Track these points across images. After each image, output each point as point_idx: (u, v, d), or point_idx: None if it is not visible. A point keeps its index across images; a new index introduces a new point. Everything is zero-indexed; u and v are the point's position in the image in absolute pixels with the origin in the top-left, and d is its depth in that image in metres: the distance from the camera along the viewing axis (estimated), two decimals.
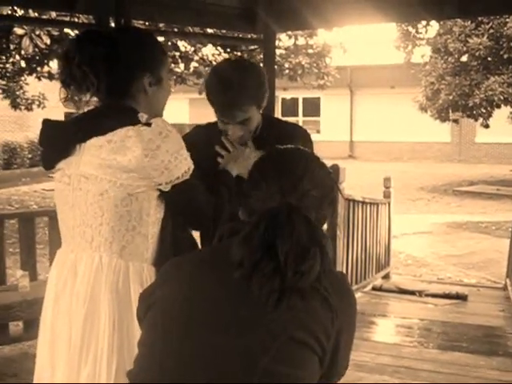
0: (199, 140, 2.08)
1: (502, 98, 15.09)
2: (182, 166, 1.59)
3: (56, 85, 1.70)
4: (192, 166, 1.63)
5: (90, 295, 1.56)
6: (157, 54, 1.71)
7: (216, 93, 1.97)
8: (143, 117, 1.60)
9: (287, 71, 11.85)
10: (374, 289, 6.10)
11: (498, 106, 15.55)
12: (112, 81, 1.61)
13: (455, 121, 17.91)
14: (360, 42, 20.80)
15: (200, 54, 11.05)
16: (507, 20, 14.54)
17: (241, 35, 6.22)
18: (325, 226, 1.38)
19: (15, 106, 11.96)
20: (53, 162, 1.66)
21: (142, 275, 1.60)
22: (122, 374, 1.45)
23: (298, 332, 1.15)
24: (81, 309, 1.56)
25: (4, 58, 9.41)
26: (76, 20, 5.50)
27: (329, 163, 4.60)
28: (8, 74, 10.21)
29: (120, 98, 1.64)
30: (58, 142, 1.65)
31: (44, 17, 6.85)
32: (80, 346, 1.56)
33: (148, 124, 1.58)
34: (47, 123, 1.68)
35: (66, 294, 1.61)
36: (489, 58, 15.37)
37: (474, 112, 15.89)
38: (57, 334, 1.62)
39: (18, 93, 11.67)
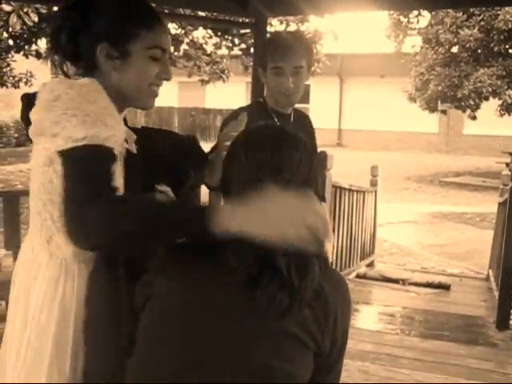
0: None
1: (490, 90, 15.16)
2: (90, 127, 1.27)
3: (44, 63, 1.55)
4: (108, 145, 1.29)
5: (24, 287, 1.42)
6: (129, 22, 1.39)
7: (276, 43, 2.29)
8: None
9: None
10: (358, 276, 6.14)
11: (487, 98, 15.62)
12: (72, 52, 1.41)
13: (443, 112, 17.98)
14: (351, 29, 20.76)
15: (190, 37, 10.97)
16: (498, 13, 14.57)
17: (232, 19, 6.16)
18: None
19: (2, 83, 11.82)
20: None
21: (61, 272, 1.38)
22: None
23: (294, 328, 1.14)
24: (13, 295, 1.45)
25: None
26: None
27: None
28: None
29: (85, 72, 1.41)
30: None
31: None
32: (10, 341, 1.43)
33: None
34: (27, 98, 1.47)
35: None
36: (479, 50, 15.41)
37: (463, 103, 15.96)
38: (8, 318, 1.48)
39: (5, 70, 11.54)
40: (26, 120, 1.47)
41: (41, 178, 1.35)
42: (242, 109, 2.25)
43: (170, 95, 24.11)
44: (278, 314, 1.12)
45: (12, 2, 7.16)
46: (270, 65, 2.24)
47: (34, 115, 1.33)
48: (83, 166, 1.26)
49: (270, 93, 2.32)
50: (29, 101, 1.43)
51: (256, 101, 2.40)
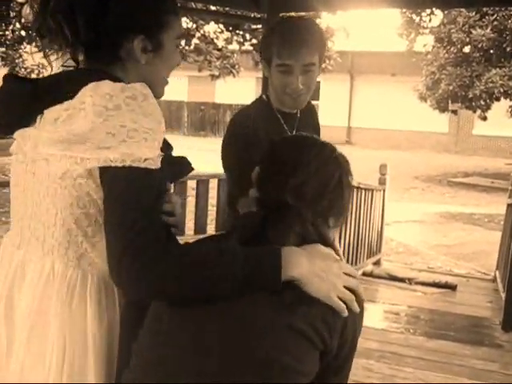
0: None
1: (502, 90, 15.09)
2: (150, 149, 1.13)
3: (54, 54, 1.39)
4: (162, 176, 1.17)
5: (36, 308, 1.22)
6: (160, 11, 1.27)
7: (283, 33, 1.88)
8: None
9: None
10: (364, 274, 6.14)
11: (498, 99, 15.55)
12: (93, 41, 1.22)
13: (454, 111, 17.90)
14: (363, 27, 20.70)
15: (202, 31, 10.97)
16: None
17: (244, 13, 6.17)
18: None
19: (10, 72, 11.87)
20: (9, 130, 1.31)
21: (102, 291, 1.24)
22: None
23: (301, 324, 1.12)
24: (24, 325, 1.23)
25: (4, 25, 9.31)
26: None
27: None
28: (8, 42, 10.13)
29: (102, 64, 1.25)
30: (15, 105, 1.28)
31: None
32: (19, 375, 1.24)
33: None
34: (8, 80, 1.31)
35: (12, 302, 1.27)
36: (491, 51, 15.33)
37: (473, 104, 15.90)
38: None
39: (17, 61, 11.59)
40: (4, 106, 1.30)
41: (73, 190, 1.18)
42: (248, 108, 2.08)
43: (179, 89, 24.13)
44: (286, 308, 1.12)
45: None
46: (276, 61, 1.89)
47: (76, 117, 1.14)
48: (140, 191, 1.12)
49: (275, 92, 1.98)
50: (12, 84, 1.29)
51: (260, 99, 2.07)
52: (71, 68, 1.29)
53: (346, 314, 1.15)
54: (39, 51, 1.30)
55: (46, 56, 1.28)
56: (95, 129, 1.11)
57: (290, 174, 1.21)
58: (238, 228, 1.26)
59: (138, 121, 1.12)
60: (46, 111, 1.19)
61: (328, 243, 1.23)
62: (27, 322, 1.22)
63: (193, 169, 1.30)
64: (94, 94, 1.13)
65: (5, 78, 1.31)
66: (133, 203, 1.10)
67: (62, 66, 1.30)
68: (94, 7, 1.20)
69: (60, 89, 1.20)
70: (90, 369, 1.21)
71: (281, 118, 2.01)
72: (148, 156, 1.12)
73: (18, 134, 1.28)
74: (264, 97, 2.07)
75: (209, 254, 1.14)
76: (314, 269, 1.16)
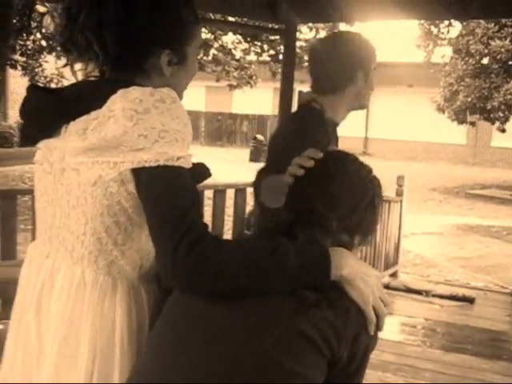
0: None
1: None
2: (181, 149, 1.16)
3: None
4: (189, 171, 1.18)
5: (68, 317, 1.23)
6: (184, 23, 1.29)
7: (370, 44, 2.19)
8: None
9: (306, 64, 11.81)
10: None
11: None
12: (120, 55, 1.23)
13: (472, 123, 17.79)
14: (380, 38, 20.66)
15: (220, 42, 11.04)
16: None
17: (262, 25, 6.19)
18: None
19: (33, 83, 12.04)
20: (33, 140, 1.32)
21: (131, 297, 1.26)
22: None
23: (306, 327, 1.11)
24: (57, 331, 1.24)
25: (25, 35, 9.44)
26: None
27: None
28: (28, 52, 10.26)
29: (128, 75, 1.26)
30: (40, 116, 1.30)
31: None
32: (52, 378, 1.25)
33: None
34: (32, 91, 1.33)
35: (41, 309, 1.29)
36: (510, 62, 15.25)
37: (492, 115, 15.81)
38: (24, 353, 1.32)
39: (37, 70, 11.74)
40: (22, 114, 1.33)
41: (104, 200, 1.19)
42: (295, 115, 2.21)
43: (197, 99, 24.25)
44: (296, 310, 1.11)
45: (46, 3, 7.27)
46: (373, 66, 2.16)
47: (107, 124, 1.15)
48: (179, 189, 1.14)
49: (360, 96, 2.20)
50: (37, 95, 1.31)
51: (311, 106, 2.16)
52: (92, 78, 1.30)
53: (372, 330, 1.16)
54: (65, 66, 1.31)
55: (73, 71, 1.30)
56: (127, 132, 1.13)
57: (326, 182, 1.25)
58: (269, 230, 1.27)
59: (166, 123, 1.14)
60: (72, 123, 1.21)
61: None
62: (60, 329, 1.24)
63: (211, 174, 1.31)
64: (123, 100, 1.15)
65: (28, 88, 1.33)
66: (176, 200, 1.12)
67: (86, 76, 1.31)
68: (122, 24, 1.21)
69: (86, 99, 1.22)
70: (116, 374, 1.23)
71: (330, 125, 2.15)
72: (180, 155, 1.15)
73: (42, 144, 1.29)
74: (316, 105, 2.15)
75: (261, 250, 1.14)
76: (359, 271, 1.17)
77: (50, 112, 1.26)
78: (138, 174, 1.15)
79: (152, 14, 1.24)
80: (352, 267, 1.16)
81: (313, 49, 2.29)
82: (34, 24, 8.45)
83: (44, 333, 1.28)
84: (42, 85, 12.01)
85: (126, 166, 1.15)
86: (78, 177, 1.21)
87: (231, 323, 1.13)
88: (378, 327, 1.18)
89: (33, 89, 1.33)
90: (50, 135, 1.27)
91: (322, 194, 1.24)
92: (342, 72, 2.14)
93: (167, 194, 1.13)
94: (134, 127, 1.13)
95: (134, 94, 1.16)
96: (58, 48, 9.57)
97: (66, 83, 1.39)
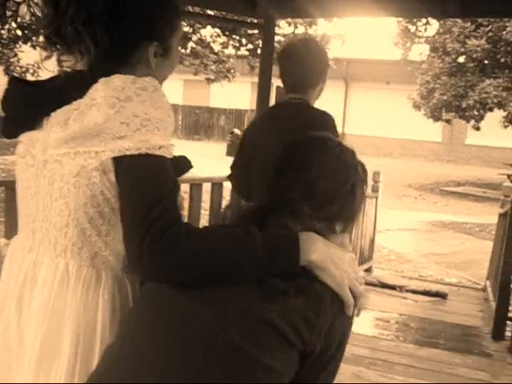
0: None
1: (495, 101, 15.18)
2: (162, 138, 1.16)
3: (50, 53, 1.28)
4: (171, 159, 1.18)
5: (51, 310, 1.22)
6: (170, 16, 1.31)
7: None
8: None
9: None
10: None
11: (491, 109, 15.63)
12: (110, 47, 1.23)
13: (447, 121, 17.98)
14: (358, 35, 20.77)
15: (198, 35, 10.98)
16: (507, 24, 14.57)
17: (241, 19, 6.18)
18: None
19: (8, 73, 11.87)
20: (14, 132, 1.31)
21: (115, 288, 1.25)
22: None
23: (273, 315, 1.09)
24: (39, 325, 1.23)
25: None
26: None
27: None
28: (3, 41, 10.11)
29: (114, 67, 1.24)
30: (21, 109, 1.29)
31: None
32: (34, 370, 1.23)
33: None
34: (14, 83, 1.31)
35: (22, 303, 1.28)
36: (485, 61, 15.43)
37: (467, 113, 15.97)
38: (4, 348, 1.31)
39: (12, 60, 11.57)
40: (3, 106, 1.31)
41: (87, 190, 1.18)
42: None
43: (175, 92, 24.11)
44: (264, 299, 1.09)
45: None
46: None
47: (89, 112, 1.15)
48: (157, 177, 1.14)
49: (321, 92, 2.53)
50: (16, 87, 1.29)
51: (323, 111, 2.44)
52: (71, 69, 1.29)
53: (351, 311, 1.14)
54: (47, 58, 1.29)
55: (59, 63, 1.29)
56: (109, 120, 1.13)
57: (305, 170, 1.22)
58: (243, 217, 1.25)
59: (149, 112, 1.15)
60: (53, 114, 1.21)
61: None
62: (42, 322, 1.23)
63: (192, 166, 1.32)
64: (105, 88, 1.15)
65: (10, 80, 1.32)
66: (151, 189, 1.12)
67: (41, 60, 1.29)
68: (112, 17, 1.22)
69: (68, 90, 1.21)
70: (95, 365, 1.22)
71: None
72: (162, 144, 1.15)
73: (24, 136, 1.28)
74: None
75: (231, 236, 1.13)
76: (330, 255, 1.16)
77: (31, 104, 1.26)
78: (119, 162, 1.15)
79: (140, 6, 1.26)
80: (321, 251, 1.15)
81: (293, 50, 2.47)
82: (8, 13, 8.32)
83: (24, 328, 1.26)
84: (17, 75, 11.86)
85: (108, 154, 1.15)
86: (61, 168, 1.20)
87: (198, 313, 1.11)
88: (358, 308, 1.17)
89: (14, 81, 1.32)
90: (31, 127, 1.26)
91: (299, 182, 1.22)
92: (318, 71, 2.43)
93: (144, 181, 1.13)
94: (117, 114, 1.13)
95: (116, 82, 1.16)
96: (34, 38, 9.46)
97: (42, 74, 1.38)
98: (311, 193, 1.21)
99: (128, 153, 1.13)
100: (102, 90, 1.15)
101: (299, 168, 1.25)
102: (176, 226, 1.10)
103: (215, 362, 1.07)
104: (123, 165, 1.15)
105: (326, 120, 2.34)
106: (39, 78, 1.36)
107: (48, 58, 1.29)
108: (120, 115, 1.13)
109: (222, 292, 1.12)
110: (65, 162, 1.19)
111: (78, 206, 1.20)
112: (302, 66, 2.39)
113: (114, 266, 1.25)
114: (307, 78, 2.42)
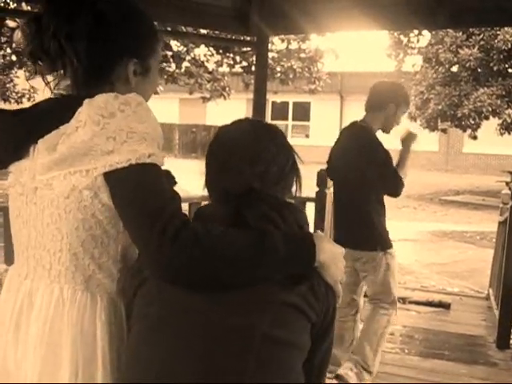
0: None
1: (490, 109, 15.23)
2: (150, 147, 1.16)
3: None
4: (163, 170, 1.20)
5: (48, 336, 1.22)
6: (149, 37, 1.35)
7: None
8: None
9: (279, 75, 11.90)
10: None
11: (487, 118, 15.69)
12: (91, 63, 1.25)
13: (443, 130, 18.03)
14: (352, 48, 20.94)
15: (192, 55, 11.05)
16: (498, 32, 14.68)
17: (234, 37, 6.22)
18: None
19: (5, 98, 11.93)
20: (4, 163, 1.31)
21: (111, 311, 1.26)
22: None
23: (296, 298, 1.17)
24: (37, 352, 1.23)
25: None
26: None
27: (317, 168, 4.64)
28: None
29: (95, 86, 1.25)
30: (7, 140, 1.29)
31: (36, 10, 6.81)
32: None
33: None
34: None
35: (19, 330, 1.27)
36: (479, 70, 15.51)
37: (463, 123, 16.03)
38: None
39: (8, 86, 11.63)
40: None
41: (78, 213, 1.19)
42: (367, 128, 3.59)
43: (171, 112, 24.21)
44: (280, 286, 1.16)
45: (16, 18, 7.22)
46: (404, 109, 3.90)
47: (75, 133, 1.16)
48: (154, 183, 1.15)
49: (388, 123, 4.00)
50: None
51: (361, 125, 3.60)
52: (58, 95, 1.32)
53: (340, 299, 1.26)
54: (31, 75, 1.33)
55: (44, 79, 1.32)
56: (95, 136, 1.14)
57: (253, 162, 1.30)
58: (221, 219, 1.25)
59: (134, 126, 1.16)
60: (40, 141, 1.21)
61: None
62: (40, 349, 1.23)
63: (176, 182, 1.35)
64: (89, 107, 1.16)
65: None
66: (153, 194, 1.13)
67: (26, 78, 1.33)
68: (93, 33, 1.24)
69: (54, 116, 1.21)
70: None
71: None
72: (151, 152, 1.15)
73: (13, 167, 1.29)
74: (364, 124, 3.78)
75: (249, 235, 1.15)
76: (333, 255, 1.25)
77: (16, 134, 1.27)
78: (111, 177, 1.15)
79: (121, 23, 1.28)
80: (327, 252, 1.23)
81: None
82: (3, 39, 8.37)
83: (21, 355, 1.26)
84: (13, 100, 11.91)
85: (99, 171, 1.15)
86: (52, 192, 1.20)
87: (224, 320, 1.14)
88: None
89: None
90: (19, 157, 1.27)
91: (253, 174, 1.29)
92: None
93: (144, 187, 1.14)
94: (102, 131, 1.14)
95: (98, 100, 1.17)
96: (29, 63, 9.47)
97: (38, 98, 1.39)
98: (265, 179, 1.30)
99: (119, 166, 1.13)
100: (86, 110, 1.16)
101: (247, 159, 1.31)
102: (188, 226, 1.11)
103: (257, 363, 1.12)
104: (116, 179, 1.15)
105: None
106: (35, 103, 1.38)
107: (32, 77, 1.32)
108: (105, 131, 1.14)
109: (239, 295, 1.15)
110: (55, 184, 1.19)
111: (70, 230, 1.21)
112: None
113: (108, 287, 1.26)
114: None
